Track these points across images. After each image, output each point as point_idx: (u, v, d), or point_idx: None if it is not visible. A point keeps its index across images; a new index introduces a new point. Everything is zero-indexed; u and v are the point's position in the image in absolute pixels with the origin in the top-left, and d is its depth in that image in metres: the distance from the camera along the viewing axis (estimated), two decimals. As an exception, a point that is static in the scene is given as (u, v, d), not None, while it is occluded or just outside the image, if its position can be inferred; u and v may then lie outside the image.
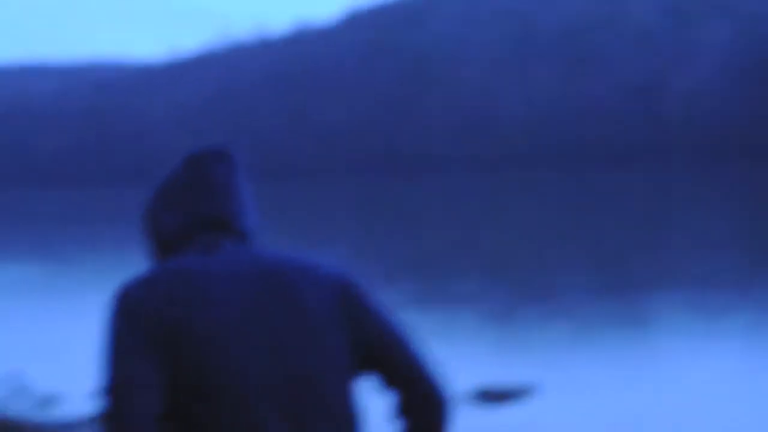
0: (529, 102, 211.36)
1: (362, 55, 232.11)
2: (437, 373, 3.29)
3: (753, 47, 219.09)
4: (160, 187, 3.35)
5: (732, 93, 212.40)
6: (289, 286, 3.22)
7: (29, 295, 32.48)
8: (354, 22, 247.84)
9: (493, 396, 15.19)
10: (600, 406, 15.55)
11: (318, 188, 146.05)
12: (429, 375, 3.27)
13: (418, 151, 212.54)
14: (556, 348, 20.79)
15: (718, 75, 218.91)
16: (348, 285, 3.27)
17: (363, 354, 3.28)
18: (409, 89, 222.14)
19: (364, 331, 3.27)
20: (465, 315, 25.75)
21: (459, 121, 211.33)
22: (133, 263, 39.82)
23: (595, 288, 30.82)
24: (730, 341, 20.65)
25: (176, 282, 3.18)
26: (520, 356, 19.98)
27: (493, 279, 34.41)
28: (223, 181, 3.33)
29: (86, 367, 19.05)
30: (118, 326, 3.18)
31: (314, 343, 3.22)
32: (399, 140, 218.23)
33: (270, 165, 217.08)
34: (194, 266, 3.19)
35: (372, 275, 35.34)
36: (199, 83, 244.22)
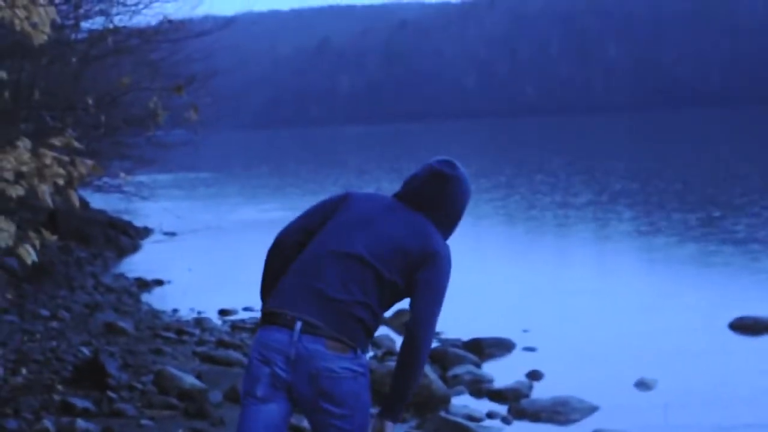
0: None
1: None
2: (425, 319, 4.72)
3: None
4: (414, 174, 5.01)
5: None
6: (400, 236, 4.81)
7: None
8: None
9: (749, 327, 14.35)
10: None
11: (596, 122, 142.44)
12: (419, 318, 4.72)
13: (695, 86, 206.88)
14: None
15: None
16: (431, 254, 4.80)
17: (408, 287, 4.80)
18: (689, 25, 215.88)
19: (413, 277, 4.78)
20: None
21: (737, 56, 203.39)
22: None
23: None
24: None
25: (363, 197, 4.99)
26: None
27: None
28: (434, 191, 4.92)
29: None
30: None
31: (391, 261, 4.76)
32: (676, 75, 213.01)
33: (558, 101, 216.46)
34: (377, 199, 4.99)
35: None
36: (490, 22, 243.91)
